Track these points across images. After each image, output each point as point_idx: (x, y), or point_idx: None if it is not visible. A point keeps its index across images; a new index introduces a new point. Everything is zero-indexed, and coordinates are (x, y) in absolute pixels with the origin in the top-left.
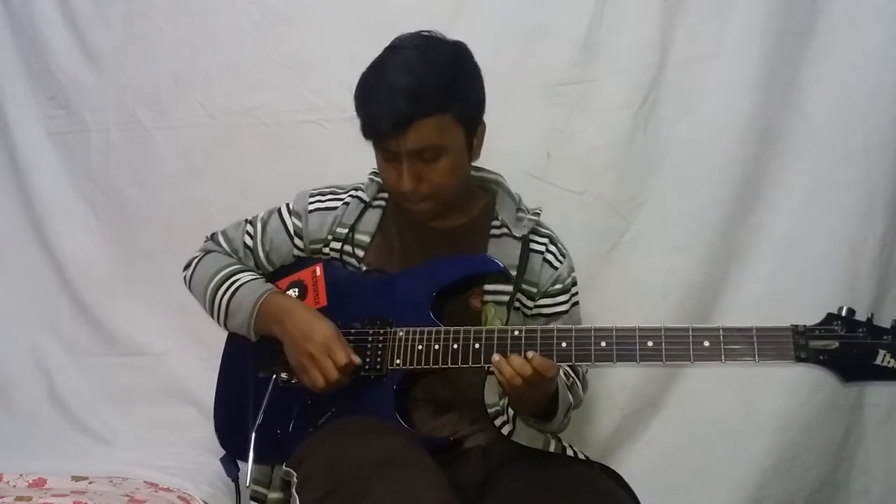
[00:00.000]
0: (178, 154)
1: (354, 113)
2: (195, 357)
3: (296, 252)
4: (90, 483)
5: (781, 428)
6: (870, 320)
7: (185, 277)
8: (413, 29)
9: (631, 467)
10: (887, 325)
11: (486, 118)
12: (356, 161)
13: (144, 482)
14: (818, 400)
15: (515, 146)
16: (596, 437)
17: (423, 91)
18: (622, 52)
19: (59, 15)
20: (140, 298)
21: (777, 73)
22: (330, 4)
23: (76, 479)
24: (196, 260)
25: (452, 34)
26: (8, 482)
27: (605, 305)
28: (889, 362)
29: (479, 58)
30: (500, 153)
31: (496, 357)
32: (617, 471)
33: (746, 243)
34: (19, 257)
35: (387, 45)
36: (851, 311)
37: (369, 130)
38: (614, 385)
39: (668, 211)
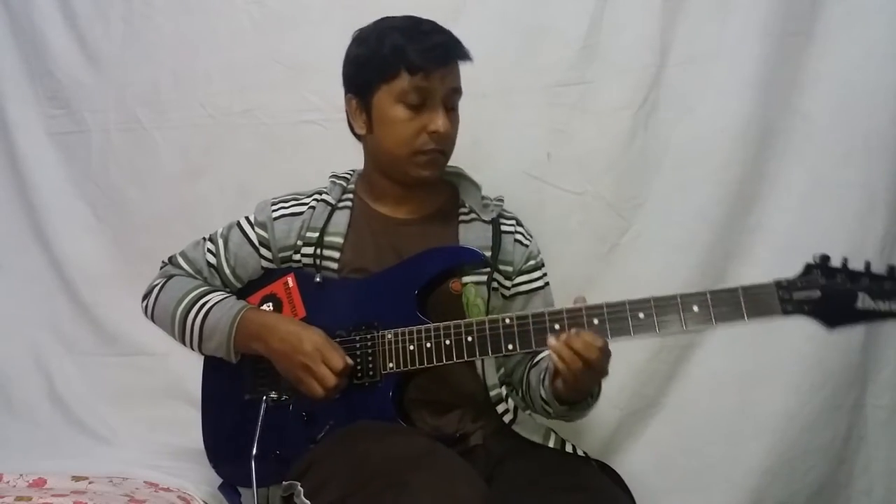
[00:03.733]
0: (177, 154)
1: None
2: (195, 357)
3: (264, 264)
4: (90, 483)
5: (781, 428)
6: (845, 265)
7: (145, 307)
8: None
9: (630, 467)
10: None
11: (486, 118)
12: (356, 161)
13: (144, 482)
14: (819, 400)
15: (515, 146)
16: (595, 437)
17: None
18: (622, 52)
19: (59, 15)
20: (140, 298)
21: (777, 73)
22: (330, 4)
23: (76, 478)
24: (157, 287)
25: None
26: (8, 482)
27: None
28: (869, 304)
29: (480, 57)
30: (499, 153)
31: (554, 339)
32: (616, 471)
33: (746, 243)
34: (19, 257)
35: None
36: (826, 258)
37: (419, 60)
38: (614, 385)
39: (668, 211)
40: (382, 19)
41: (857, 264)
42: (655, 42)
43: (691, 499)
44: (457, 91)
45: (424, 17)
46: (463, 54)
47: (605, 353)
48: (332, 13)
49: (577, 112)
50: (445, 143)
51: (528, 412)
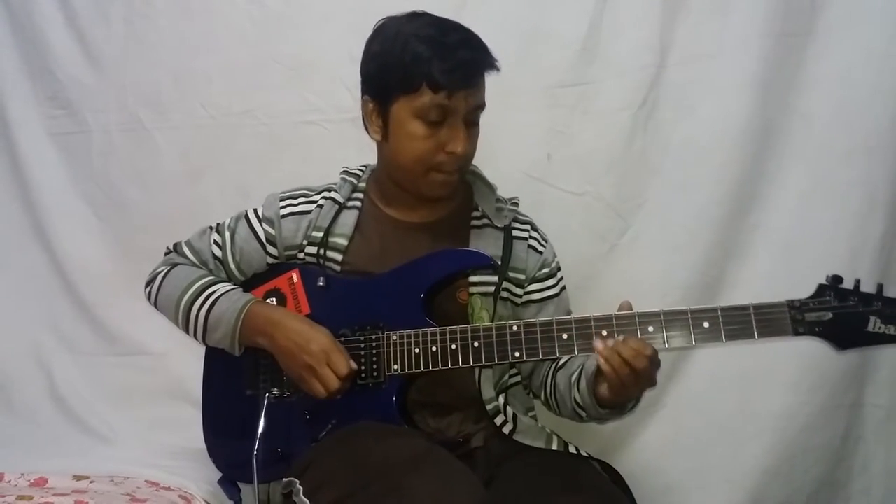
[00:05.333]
0: (178, 154)
1: (355, 113)
2: (195, 357)
3: (269, 260)
4: (91, 482)
5: (781, 428)
6: (857, 288)
7: (148, 293)
8: None
9: (630, 467)
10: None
11: (486, 119)
12: (357, 161)
13: (145, 481)
14: (818, 400)
15: (515, 147)
16: (595, 437)
17: (483, 42)
18: (622, 53)
19: (59, 15)
20: (140, 298)
21: (777, 73)
22: (330, 4)
23: (77, 478)
24: (161, 274)
25: None
26: (9, 481)
27: (605, 306)
28: (880, 328)
29: None
30: (499, 154)
31: (601, 344)
32: (618, 471)
33: (745, 243)
34: (20, 257)
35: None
36: (838, 279)
37: (444, 79)
38: None
39: (668, 211)
40: (410, 18)
41: (868, 286)
42: (655, 42)
43: (691, 499)
44: (480, 107)
45: None
46: (490, 66)
47: (654, 363)
48: (332, 13)
49: (577, 113)
50: (463, 162)
51: (533, 417)
